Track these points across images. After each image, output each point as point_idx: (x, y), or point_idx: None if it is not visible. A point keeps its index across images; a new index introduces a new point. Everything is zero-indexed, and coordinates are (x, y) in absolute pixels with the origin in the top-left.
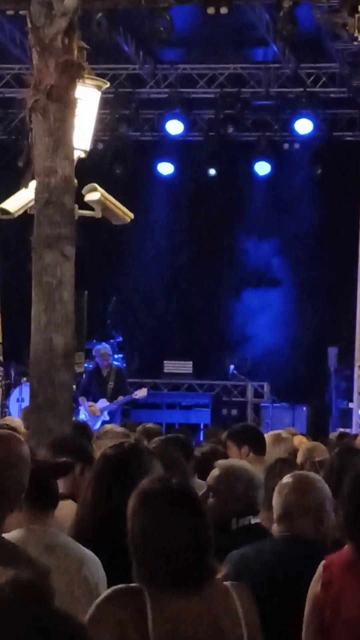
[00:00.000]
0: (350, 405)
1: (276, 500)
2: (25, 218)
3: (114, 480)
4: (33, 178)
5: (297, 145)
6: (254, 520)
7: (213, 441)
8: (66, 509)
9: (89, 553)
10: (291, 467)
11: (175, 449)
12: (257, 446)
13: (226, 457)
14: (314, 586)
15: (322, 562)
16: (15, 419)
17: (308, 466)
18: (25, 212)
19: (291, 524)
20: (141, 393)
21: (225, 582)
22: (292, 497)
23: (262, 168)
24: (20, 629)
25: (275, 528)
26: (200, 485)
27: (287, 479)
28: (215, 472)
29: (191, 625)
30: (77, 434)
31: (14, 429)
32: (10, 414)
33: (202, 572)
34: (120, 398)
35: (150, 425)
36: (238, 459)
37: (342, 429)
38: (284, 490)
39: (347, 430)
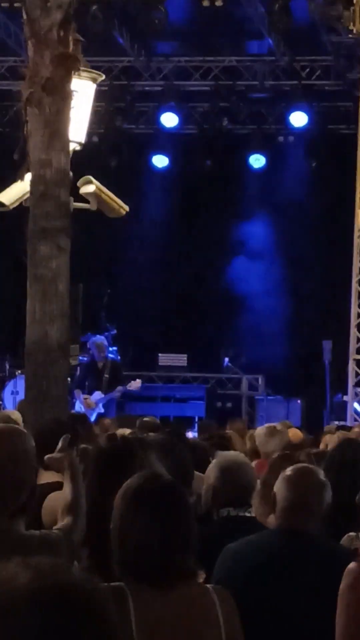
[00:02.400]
0: (345, 398)
1: (275, 493)
2: (21, 210)
3: (109, 476)
4: (28, 170)
5: (291, 138)
6: (235, 513)
7: (209, 434)
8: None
9: None
10: (292, 462)
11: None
12: None
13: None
14: (353, 590)
15: (356, 565)
16: (15, 412)
17: (304, 457)
18: (21, 204)
19: (289, 517)
20: (135, 385)
21: (207, 585)
22: (291, 490)
23: (257, 161)
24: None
25: (272, 521)
26: (196, 477)
27: (287, 472)
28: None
29: (170, 627)
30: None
31: (15, 422)
32: (5, 407)
33: (175, 572)
34: (117, 389)
35: (147, 418)
36: (232, 451)
37: (336, 422)
38: (282, 483)
39: (342, 423)
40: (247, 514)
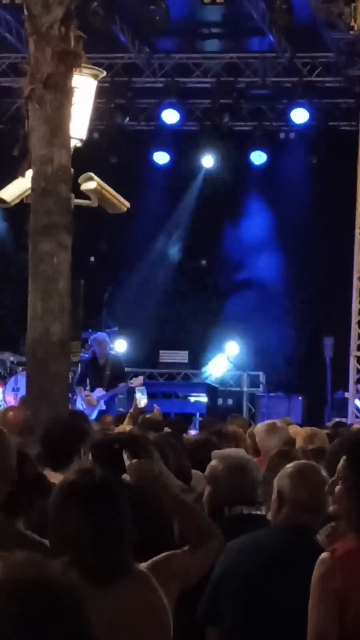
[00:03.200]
0: (346, 395)
1: (275, 490)
2: (22, 207)
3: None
4: (29, 167)
5: (293, 135)
6: (247, 511)
7: (208, 431)
8: None
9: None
10: (290, 459)
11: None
12: None
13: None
14: (327, 581)
15: (329, 555)
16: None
17: (300, 454)
18: (22, 201)
19: (300, 515)
20: (137, 381)
21: (144, 570)
22: (304, 488)
23: (258, 157)
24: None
25: (272, 517)
26: (195, 476)
27: (287, 468)
28: (211, 462)
29: (107, 622)
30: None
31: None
32: (6, 404)
33: (110, 567)
34: (118, 386)
35: (150, 415)
36: (235, 449)
37: (337, 419)
38: (293, 481)
39: (343, 419)
40: (259, 512)
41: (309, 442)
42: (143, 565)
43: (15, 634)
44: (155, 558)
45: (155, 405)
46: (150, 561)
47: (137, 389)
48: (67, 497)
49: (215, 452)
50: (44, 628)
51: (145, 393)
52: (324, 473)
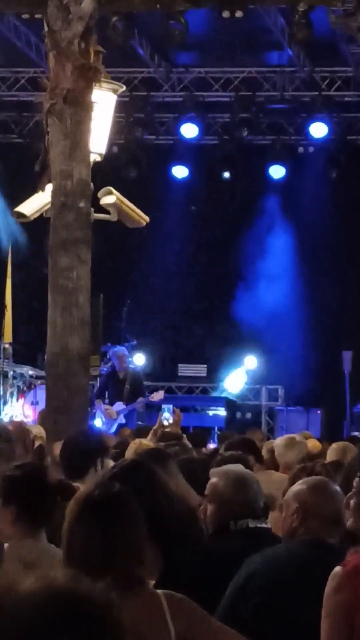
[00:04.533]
0: None
1: (293, 505)
2: (41, 221)
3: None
4: (49, 181)
5: (311, 149)
6: (253, 524)
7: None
8: None
9: None
10: (315, 474)
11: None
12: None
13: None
14: (338, 594)
15: (341, 569)
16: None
17: (319, 468)
18: (41, 215)
19: (322, 530)
20: (158, 396)
21: (157, 591)
22: (329, 504)
23: (277, 171)
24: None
25: (287, 531)
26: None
27: (305, 483)
28: (211, 480)
29: None
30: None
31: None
32: (25, 418)
33: (118, 580)
34: (138, 401)
35: (169, 429)
36: (234, 464)
37: (356, 433)
38: (303, 495)
39: None
40: (265, 525)
41: (342, 455)
42: (161, 590)
43: None
44: (180, 596)
45: (176, 409)
46: (172, 593)
47: (164, 407)
48: (82, 509)
49: (213, 470)
50: None
51: (172, 412)
52: (336, 488)
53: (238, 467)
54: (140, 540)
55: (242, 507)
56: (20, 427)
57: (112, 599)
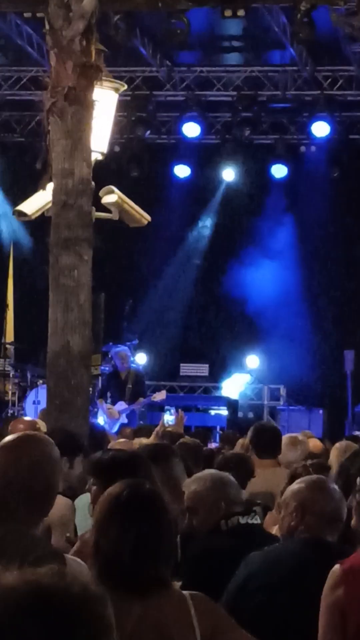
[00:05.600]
0: None
1: (292, 504)
2: (42, 220)
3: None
4: (50, 180)
5: (313, 148)
6: (244, 521)
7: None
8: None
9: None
10: (316, 472)
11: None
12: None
13: (246, 460)
14: (333, 592)
15: (339, 567)
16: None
17: (300, 469)
18: (42, 214)
19: (321, 529)
20: (160, 396)
21: (182, 592)
22: (328, 502)
23: (279, 171)
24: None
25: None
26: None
27: (303, 482)
28: (189, 489)
29: (141, 635)
30: (92, 443)
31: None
32: (26, 416)
33: (146, 581)
34: (140, 400)
35: (171, 428)
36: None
37: (358, 432)
38: (302, 494)
39: None
40: (256, 522)
41: (343, 455)
42: (187, 592)
43: None
44: (204, 596)
45: (180, 410)
46: (196, 594)
47: (166, 409)
48: (111, 508)
49: (187, 481)
50: None
51: (174, 414)
52: (335, 487)
53: (209, 471)
54: (170, 539)
55: (228, 505)
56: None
57: (96, 594)
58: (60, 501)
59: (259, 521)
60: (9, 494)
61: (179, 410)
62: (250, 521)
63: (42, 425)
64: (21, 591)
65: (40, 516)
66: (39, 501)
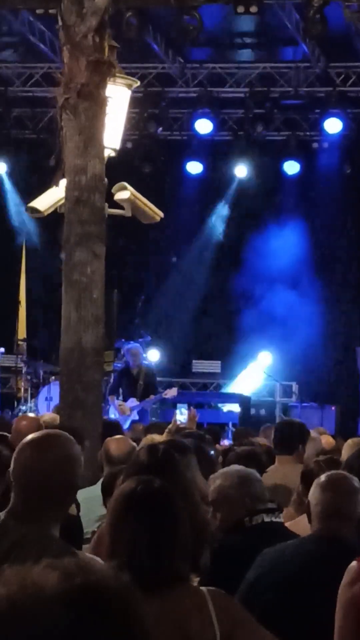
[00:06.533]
0: None
1: (311, 500)
2: (55, 217)
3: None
4: (63, 176)
5: (326, 145)
6: (268, 519)
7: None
8: None
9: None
10: (329, 468)
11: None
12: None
13: (259, 456)
14: (350, 588)
15: (356, 563)
16: (53, 415)
17: (313, 465)
18: (55, 210)
19: (324, 524)
20: (171, 392)
21: (200, 587)
22: (324, 496)
23: (291, 167)
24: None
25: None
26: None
27: (322, 478)
28: (214, 484)
29: (159, 631)
30: (107, 433)
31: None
32: (39, 413)
33: (164, 576)
34: (151, 397)
35: (184, 426)
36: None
37: None
38: (316, 490)
39: None
40: (279, 520)
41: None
42: (205, 587)
43: None
44: (223, 593)
45: (192, 408)
46: (214, 590)
47: (179, 407)
48: (126, 505)
49: (213, 475)
50: (98, 636)
51: (186, 412)
52: (354, 482)
53: (235, 467)
54: (185, 535)
55: (252, 502)
56: (37, 422)
57: (127, 584)
58: None
59: (282, 519)
60: (31, 492)
61: (191, 407)
62: (274, 519)
63: (56, 421)
64: (55, 582)
65: (58, 515)
66: (59, 500)
